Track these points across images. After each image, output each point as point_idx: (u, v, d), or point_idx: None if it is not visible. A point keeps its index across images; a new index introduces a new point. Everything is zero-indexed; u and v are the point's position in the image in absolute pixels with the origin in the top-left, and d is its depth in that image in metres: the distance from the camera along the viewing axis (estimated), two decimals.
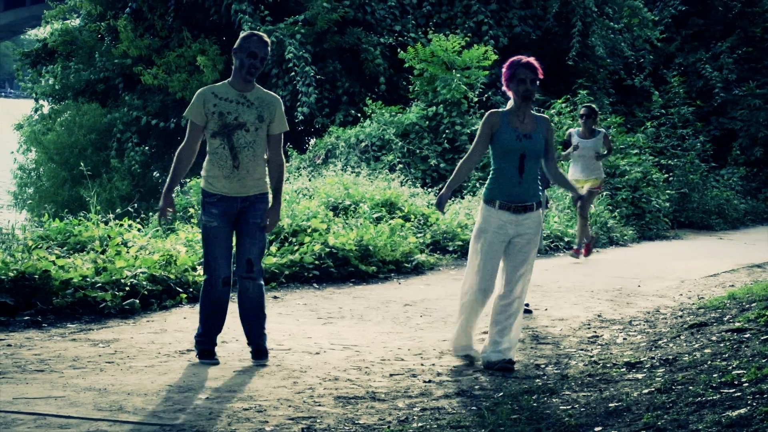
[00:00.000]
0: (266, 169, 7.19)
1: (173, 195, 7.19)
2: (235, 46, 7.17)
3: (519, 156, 7.11)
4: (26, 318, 8.48)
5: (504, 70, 7.26)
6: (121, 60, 25.35)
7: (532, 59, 7.21)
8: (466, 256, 10.42)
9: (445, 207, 7.46)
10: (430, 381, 6.84)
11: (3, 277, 8.70)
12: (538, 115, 7.32)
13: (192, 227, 13.36)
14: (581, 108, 14.23)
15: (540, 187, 7.30)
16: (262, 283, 7.30)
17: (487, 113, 7.31)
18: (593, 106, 14.22)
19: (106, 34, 26.91)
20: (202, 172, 7.19)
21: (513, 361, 7.20)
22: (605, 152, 14.07)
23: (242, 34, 7.23)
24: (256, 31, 7.42)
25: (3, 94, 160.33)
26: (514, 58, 7.27)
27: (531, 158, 7.13)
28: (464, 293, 7.36)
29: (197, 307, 9.58)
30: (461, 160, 7.45)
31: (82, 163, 20.01)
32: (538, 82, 7.17)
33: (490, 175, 7.29)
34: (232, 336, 8.21)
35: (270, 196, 7.26)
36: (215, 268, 7.15)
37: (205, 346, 7.27)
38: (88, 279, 9.20)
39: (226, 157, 7.02)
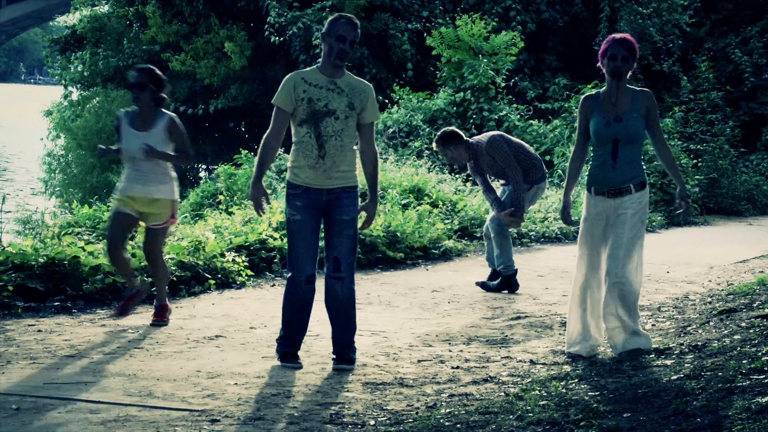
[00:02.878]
0: (355, 160, 6.79)
1: (263, 183, 6.80)
2: (323, 30, 6.78)
3: (612, 141, 6.86)
4: (56, 304, 8.54)
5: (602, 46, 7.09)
6: (149, 46, 25.44)
7: (627, 36, 6.96)
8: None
9: (572, 214, 7.28)
10: (458, 367, 6.84)
11: (33, 263, 8.76)
12: (638, 90, 6.99)
13: (220, 213, 13.41)
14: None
15: (631, 169, 6.88)
16: (353, 285, 6.85)
17: (581, 99, 7.11)
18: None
19: (135, 21, 27.01)
20: (288, 163, 6.82)
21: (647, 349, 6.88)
22: None
23: (330, 18, 6.84)
24: (344, 14, 6.98)
25: (32, 80, 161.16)
26: (613, 35, 7.10)
27: (625, 142, 6.85)
28: (575, 285, 7.10)
29: (226, 293, 9.66)
30: (569, 160, 7.31)
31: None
32: (632, 61, 6.89)
33: (591, 162, 7.11)
34: (260, 322, 8.24)
35: (362, 190, 6.91)
36: (298, 265, 6.72)
37: (287, 349, 6.82)
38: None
39: (312, 146, 6.63)
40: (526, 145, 10.49)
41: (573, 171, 7.19)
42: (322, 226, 6.82)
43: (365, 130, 6.80)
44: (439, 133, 10.38)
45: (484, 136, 10.34)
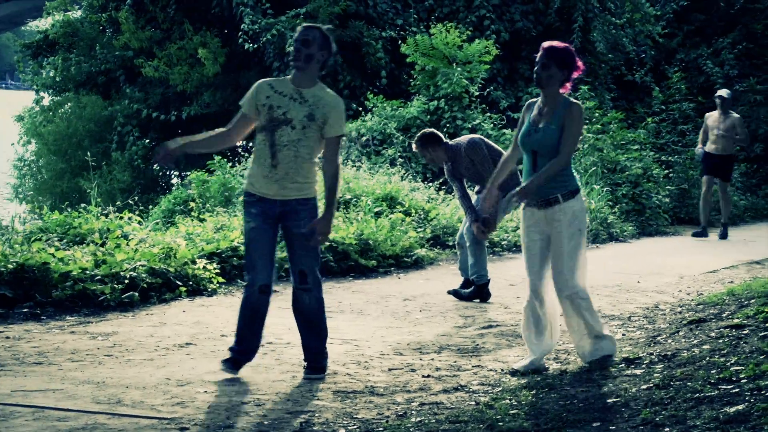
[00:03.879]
0: (314, 173, 6.68)
1: (179, 145, 6.59)
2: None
3: (531, 152, 6.73)
4: (25, 310, 8.49)
5: None
6: (122, 52, 25.32)
7: (555, 42, 6.79)
8: None
9: (491, 207, 7.20)
10: (429, 376, 6.85)
11: (2, 269, 8.71)
12: (569, 101, 6.75)
13: (192, 220, 13.37)
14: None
15: (555, 180, 6.67)
16: (321, 295, 6.86)
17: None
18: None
19: (108, 26, 26.88)
20: (246, 172, 6.90)
21: (606, 358, 6.85)
22: None
23: None
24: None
25: (3, 85, 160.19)
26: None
27: (542, 154, 6.67)
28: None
29: (197, 300, 9.63)
30: None
31: (88, 153, 19.95)
32: (555, 69, 6.66)
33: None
34: (231, 330, 8.20)
35: (321, 203, 6.77)
36: (253, 273, 6.69)
37: (235, 355, 6.76)
38: (87, 272, 9.19)
39: (266, 154, 6.54)
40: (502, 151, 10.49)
41: (501, 166, 7.10)
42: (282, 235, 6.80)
43: (328, 143, 6.64)
44: (419, 134, 10.38)
45: (463, 139, 10.33)
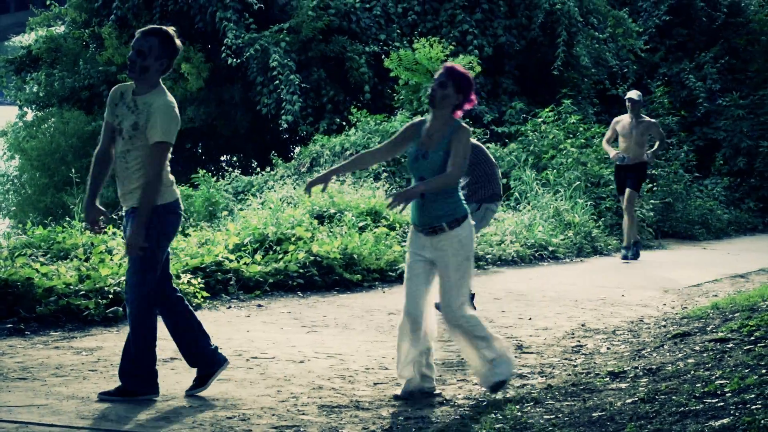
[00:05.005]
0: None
1: (96, 202, 6.39)
2: None
3: (419, 178, 6.46)
4: (9, 326, 8.45)
5: None
6: (105, 67, 25.30)
7: (458, 66, 6.64)
8: None
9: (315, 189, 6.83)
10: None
11: None
12: (457, 125, 6.49)
13: (176, 234, 13.34)
14: None
15: (442, 207, 6.44)
16: (133, 308, 6.37)
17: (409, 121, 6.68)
18: None
19: (91, 42, 26.86)
20: None
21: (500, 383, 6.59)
22: None
23: None
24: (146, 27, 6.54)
25: None
26: None
27: None
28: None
29: None
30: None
31: (72, 169, 19.90)
32: (451, 89, 6.45)
33: None
34: (215, 345, 8.18)
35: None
36: None
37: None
38: (71, 287, 9.16)
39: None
40: (495, 165, 10.43)
41: (356, 158, 6.82)
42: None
43: (149, 150, 6.21)
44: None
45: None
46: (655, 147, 15.73)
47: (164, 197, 6.30)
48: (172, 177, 6.45)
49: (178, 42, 6.40)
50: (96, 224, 6.42)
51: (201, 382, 6.58)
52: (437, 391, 6.68)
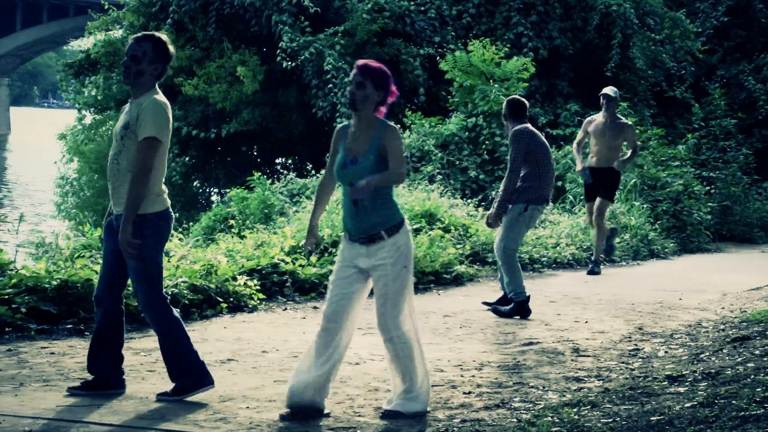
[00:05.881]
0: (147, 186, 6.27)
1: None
2: None
3: (348, 185, 6.04)
4: (69, 326, 8.55)
5: None
6: None
7: (370, 61, 6.18)
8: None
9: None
10: (470, 392, 6.83)
11: (46, 285, 8.78)
12: (385, 125, 6.08)
13: (232, 237, 13.44)
14: None
15: (378, 215, 6.05)
16: (152, 315, 6.41)
17: (337, 127, 6.39)
18: None
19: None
20: None
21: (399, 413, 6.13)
22: None
23: None
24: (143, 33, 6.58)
25: (46, 104, 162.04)
26: None
27: None
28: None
29: (237, 316, 9.66)
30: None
31: None
32: (371, 89, 6.03)
33: None
34: (272, 346, 8.24)
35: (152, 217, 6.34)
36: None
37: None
38: (129, 288, 9.24)
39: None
40: (552, 167, 10.42)
41: (318, 197, 6.51)
42: None
43: (137, 146, 6.20)
44: (513, 98, 10.47)
45: (524, 126, 10.29)
46: (627, 156, 14.01)
47: (156, 206, 6.32)
48: (164, 187, 6.46)
49: (171, 48, 6.47)
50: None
51: (86, 386, 6.42)
52: (326, 411, 6.14)
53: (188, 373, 6.38)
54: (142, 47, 6.34)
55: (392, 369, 6.23)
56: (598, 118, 13.88)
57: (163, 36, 6.50)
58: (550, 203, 17.92)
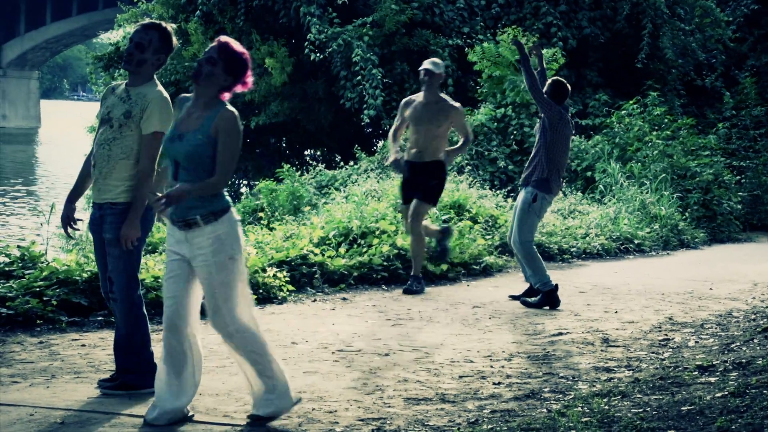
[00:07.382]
0: (131, 175, 6.23)
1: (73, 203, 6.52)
2: None
3: (172, 162, 5.63)
4: (100, 318, 8.59)
5: None
6: (191, 62, 25.60)
7: (233, 43, 5.74)
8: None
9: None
10: (499, 383, 6.83)
11: (77, 278, 8.83)
12: (221, 105, 5.65)
13: (261, 229, 13.47)
14: None
15: (195, 198, 5.52)
16: (130, 307, 6.32)
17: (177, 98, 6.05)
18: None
19: (177, 38, 27.12)
20: None
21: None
22: None
23: None
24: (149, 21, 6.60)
25: (76, 97, 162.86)
26: None
27: (186, 167, 5.56)
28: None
29: (267, 308, 9.69)
30: None
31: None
32: (217, 66, 5.63)
33: None
34: (301, 337, 8.26)
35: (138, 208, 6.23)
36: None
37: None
38: (159, 280, 9.28)
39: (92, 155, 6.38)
40: (565, 152, 10.36)
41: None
42: None
43: (143, 140, 6.19)
44: (555, 79, 10.39)
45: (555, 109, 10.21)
46: (458, 146, 10.90)
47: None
48: None
49: (174, 39, 6.49)
50: (69, 222, 6.45)
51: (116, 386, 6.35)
52: (190, 414, 5.76)
53: (140, 371, 6.29)
54: (149, 35, 6.36)
55: (245, 367, 5.77)
56: (417, 98, 10.77)
57: (169, 26, 6.52)
58: (579, 194, 17.96)
